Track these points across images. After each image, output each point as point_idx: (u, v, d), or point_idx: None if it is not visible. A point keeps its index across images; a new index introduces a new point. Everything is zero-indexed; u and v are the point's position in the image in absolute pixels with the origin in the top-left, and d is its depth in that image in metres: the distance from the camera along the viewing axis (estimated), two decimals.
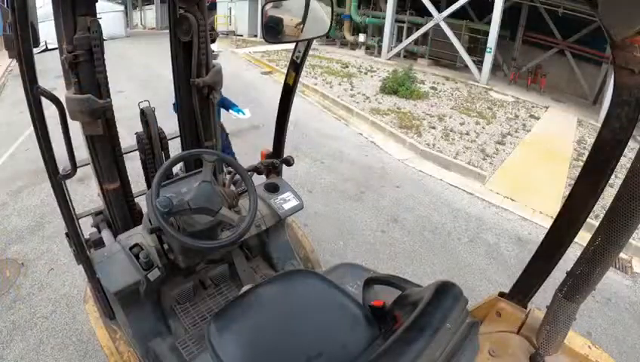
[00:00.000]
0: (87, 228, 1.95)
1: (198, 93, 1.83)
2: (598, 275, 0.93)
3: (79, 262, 1.54)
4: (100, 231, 2.01)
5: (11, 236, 3.47)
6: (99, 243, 1.94)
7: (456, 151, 5.80)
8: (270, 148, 2.17)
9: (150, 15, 22.82)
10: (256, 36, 16.31)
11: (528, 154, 6.14)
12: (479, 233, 4.01)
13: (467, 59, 10.86)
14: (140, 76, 9.43)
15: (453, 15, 10.94)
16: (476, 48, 11.34)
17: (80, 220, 1.64)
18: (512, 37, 11.95)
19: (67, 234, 1.55)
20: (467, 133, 6.61)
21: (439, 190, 4.83)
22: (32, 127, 1.17)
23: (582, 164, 1.03)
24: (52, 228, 3.55)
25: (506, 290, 1.28)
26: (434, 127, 6.69)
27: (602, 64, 10.59)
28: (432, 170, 5.34)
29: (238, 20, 17.06)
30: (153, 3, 21.23)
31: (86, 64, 1.40)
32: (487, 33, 10.39)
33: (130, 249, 1.57)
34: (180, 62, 1.79)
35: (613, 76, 0.85)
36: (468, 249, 3.73)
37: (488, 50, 10.15)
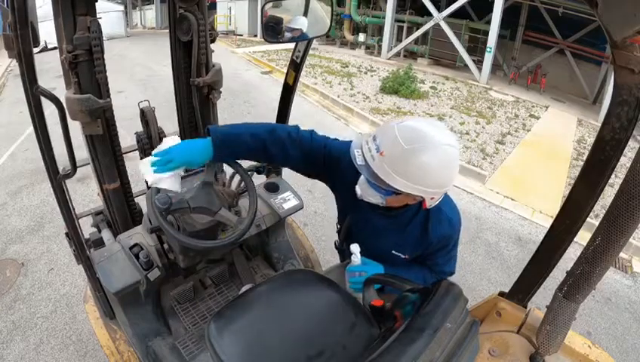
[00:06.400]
0: (87, 228, 1.95)
1: (198, 93, 1.82)
2: (598, 275, 0.93)
3: (79, 262, 1.54)
4: (100, 231, 2.00)
5: (11, 236, 3.47)
6: (99, 243, 1.94)
7: None
8: None
9: (150, 15, 22.78)
10: (256, 36, 16.30)
11: (528, 154, 6.14)
12: (479, 233, 4.01)
13: (467, 58, 10.86)
14: (140, 76, 9.42)
15: (453, 15, 10.94)
16: (476, 48, 11.34)
17: (80, 220, 1.64)
18: (512, 37, 11.95)
19: (67, 234, 1.55)
20: (467, 133, 6.61)
21: None
22: (31, 127, 1.17)
23: (582, 163, 1.03)
24: (52, 228, 3.54)
25: (506, 290, 1.28)
26: None
27: (602, 64, 10.59)
28: None
29: (238, 20, 17.07)
30: (153, 3, 21.19)
31: (86, 64, 1.40)
32: (487, 33, 10.39)
33: (130, 249, 1.57)
34: (179, 61, 1.78)
35: (613, 76, 0.85)
36: (468, 248, 3.72)
37: (488, 49, 10.14)
